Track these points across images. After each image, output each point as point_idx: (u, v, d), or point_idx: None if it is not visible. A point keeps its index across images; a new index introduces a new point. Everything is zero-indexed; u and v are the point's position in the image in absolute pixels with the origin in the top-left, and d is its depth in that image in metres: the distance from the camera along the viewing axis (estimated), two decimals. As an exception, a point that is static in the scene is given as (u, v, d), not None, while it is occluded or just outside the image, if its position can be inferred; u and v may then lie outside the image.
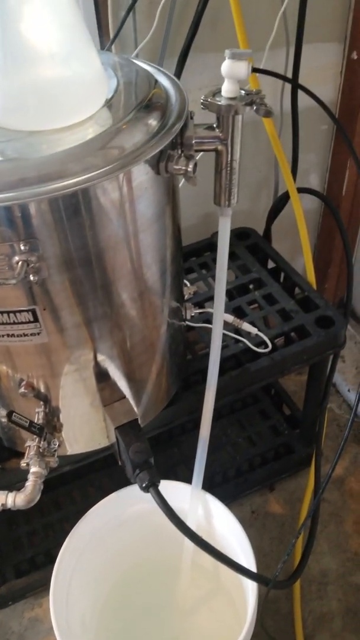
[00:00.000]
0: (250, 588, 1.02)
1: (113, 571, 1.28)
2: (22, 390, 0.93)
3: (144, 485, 0.94)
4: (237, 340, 1.26)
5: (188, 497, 1.13)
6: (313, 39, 1.39)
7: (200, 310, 1.32)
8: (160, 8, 1.20)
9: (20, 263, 0.74)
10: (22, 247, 0.74)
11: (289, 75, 1.34)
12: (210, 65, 1.32)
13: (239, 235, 1.52)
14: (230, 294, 1.38)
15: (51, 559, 1.32)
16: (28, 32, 0.72)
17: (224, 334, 1.16)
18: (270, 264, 1.47)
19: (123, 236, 0.82)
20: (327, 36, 1.44)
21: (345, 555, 1.46)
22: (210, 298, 1.35)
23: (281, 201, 1.54)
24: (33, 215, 0.72)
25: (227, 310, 1.31)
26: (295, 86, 1.33)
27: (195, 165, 0.81)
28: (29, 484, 0.93)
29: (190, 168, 0.80)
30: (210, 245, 1.50)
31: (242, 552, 1.08)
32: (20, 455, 0.98)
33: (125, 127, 0.78)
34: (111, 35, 1.21)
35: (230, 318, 1.27)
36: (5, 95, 0.76)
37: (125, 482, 1.08)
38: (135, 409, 1.03)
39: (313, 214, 1.78)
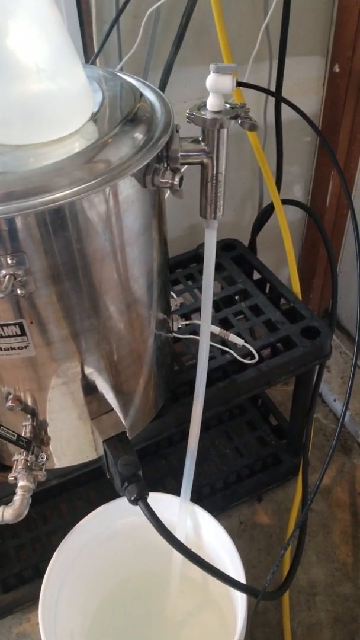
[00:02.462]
0: (240, 600, 1.02)
1: (102, 585, 1.27)
2: (9, 403, 0.93)
3: (132, 498, 0.94)
4: (224, 352, 1.26)
5: (176, 510, 1.12)
6: (296, 53, 1.40)
7: (187, 322, 1.32)
8: (144, 21, 1.20)
9: (7, 277, 0.74)
10: (9, 261, 0.74)
11: (272, 88, 1.36)
12: (194, 78, 1.33)
13: (225, 246, 1.53)
14: (216, 305, 1.39)
15: (39, 573, 1.32)
16: (14, 47, 0.72)
17: (210, 346, 1.16)
18: (256, 275, 1.47)
19: (110, 249, 0.83)
20: (310, 49, 1.45)
21: (333, 565, 1.46)
22: (197, 309, 1.35)
23: (266, 213, 1.55)
24: (20, 229, 0.73)
25: (214, 321, 1.31)
26: (279, 99, 1.34)
27: (181, 178, 0.81)
28: (17, 498, 0.92)
29: (176, 181, 0.81)
30: (196, 256, 1.51)
31: (231, 563, 1.08)
32: (8, 469, 0.98)
33: (111, 140, 0.78)
34: (95, 49, 1.21)
35: (216, 329, 1.27)
36: (-9, 109, 0.76)
37: (113, 495, 1.08)
38: (123, 421, 1.03)
39: (297, 225, 1.79)
